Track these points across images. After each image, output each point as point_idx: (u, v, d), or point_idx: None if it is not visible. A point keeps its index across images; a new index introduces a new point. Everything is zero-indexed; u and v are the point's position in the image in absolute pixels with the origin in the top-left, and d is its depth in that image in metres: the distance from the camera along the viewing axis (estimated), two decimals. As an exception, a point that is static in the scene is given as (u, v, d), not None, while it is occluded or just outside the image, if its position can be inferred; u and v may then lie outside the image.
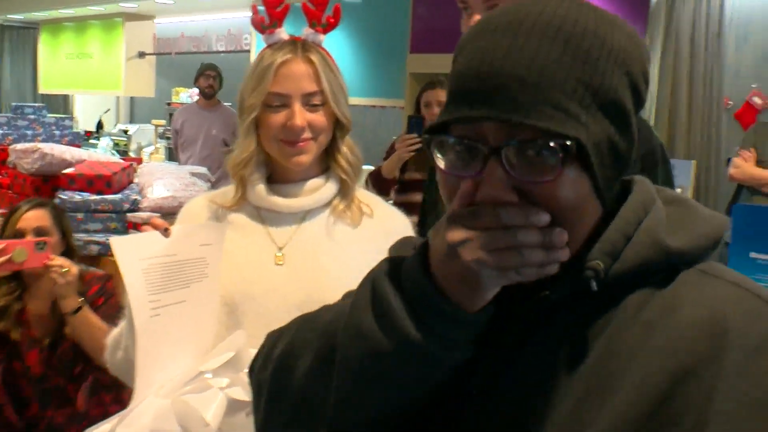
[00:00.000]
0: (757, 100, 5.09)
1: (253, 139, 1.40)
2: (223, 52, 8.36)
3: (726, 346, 0.63)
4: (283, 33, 1.41)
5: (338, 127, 1.42)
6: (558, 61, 0.65)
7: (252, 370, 0.88)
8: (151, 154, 7.56)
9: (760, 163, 3.80)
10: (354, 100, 7.19)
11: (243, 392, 1.25)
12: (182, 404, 1.22)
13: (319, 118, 1.37)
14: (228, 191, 1.47)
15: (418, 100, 3.63)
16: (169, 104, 8.66)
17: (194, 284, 1.30)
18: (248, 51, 8.01)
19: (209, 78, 5.57)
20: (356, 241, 1.43)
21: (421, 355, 0.68)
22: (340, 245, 1.42)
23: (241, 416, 1.27)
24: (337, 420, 0.74)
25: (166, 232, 1.29)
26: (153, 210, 3.39)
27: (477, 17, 1.43)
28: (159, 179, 3.50)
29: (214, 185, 3.98)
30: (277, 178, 1.45)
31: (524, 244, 0.64)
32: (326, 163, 1.46)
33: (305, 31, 1.43)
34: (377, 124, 6.98)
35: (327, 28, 1.44)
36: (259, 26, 1.42)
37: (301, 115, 1.35)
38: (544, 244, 0.65)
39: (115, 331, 1.43)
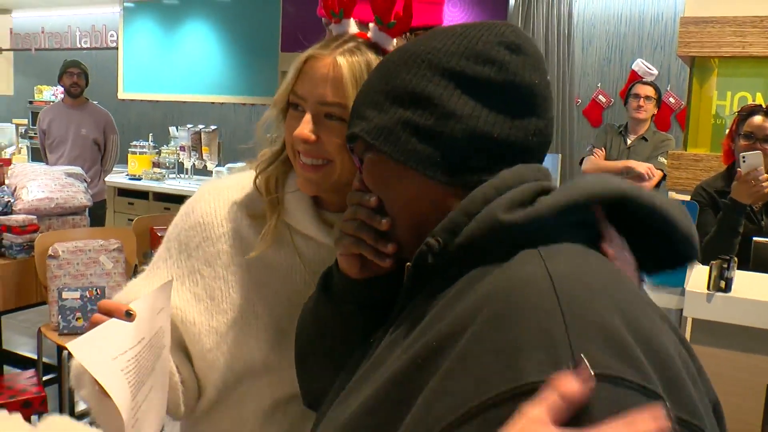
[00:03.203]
0: (601, 98, 5.57)
1: (280, 140, 1.17)
2: (87, 48, 8.15)
3: (486, 311, 0.64)
4: (351, 25, 1.14)
5: None
6: (369, 85, 0.87)
7: None
8: (13, 154, 7.28)
9: (609, 158, 4.40)
10: (225, 98, 7.20)
11: None
12: None
13: (333, 138, 1.07)
14: (254, 200, 1.22)
15: None
16: (31, 102, 8.34)
17: (157, 363, 1.05)
18: (115, 48, 7.85)
19: (73, 76, 5.40)
20: None
21: (327, 304, 0.98)
22: None
23: None
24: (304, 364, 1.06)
25: (129, 317, 0.98)
26: (28, 212, 3.34)
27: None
28: (32, 180, 3.44)
29: (89, 185, 3.96)
30: (325, 202, 1.18)
31: (358, 217, 0.87)
32: None
33: (372, 27, 1.12)
34: (248, 122, 7.04)
35: (395, 29, 1.10)
36: (329, 13, 1.14)
37: (309, 126, 1.06)
38: (373, 223, 0.85)
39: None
